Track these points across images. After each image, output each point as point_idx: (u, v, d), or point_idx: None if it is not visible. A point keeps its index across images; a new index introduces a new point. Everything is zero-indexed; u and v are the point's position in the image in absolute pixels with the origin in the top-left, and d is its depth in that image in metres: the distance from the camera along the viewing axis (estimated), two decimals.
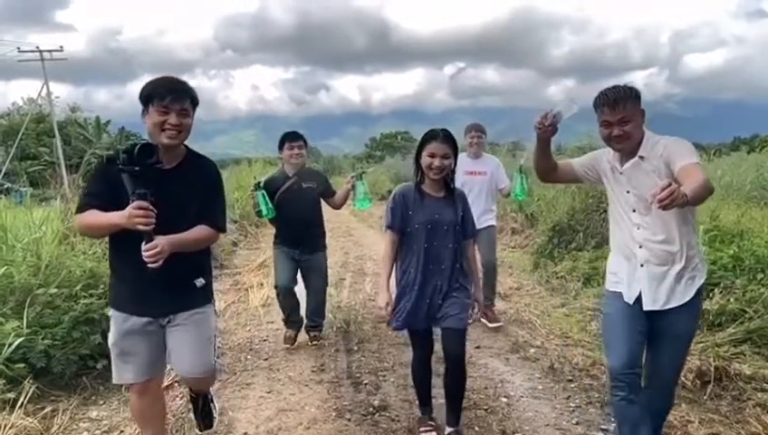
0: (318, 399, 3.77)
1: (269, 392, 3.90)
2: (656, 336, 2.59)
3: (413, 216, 3.02)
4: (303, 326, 4.82)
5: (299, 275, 4.73)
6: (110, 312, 2.63)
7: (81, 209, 2.47)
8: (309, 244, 4.66)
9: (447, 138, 2.98)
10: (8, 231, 4.60)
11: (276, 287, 4.71)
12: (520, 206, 9.83)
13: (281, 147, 4.66)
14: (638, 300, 2.55)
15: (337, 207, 4.84)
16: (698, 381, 3.64)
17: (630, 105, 2.45)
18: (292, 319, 4.75)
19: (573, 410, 3.52)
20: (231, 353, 4.69)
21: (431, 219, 3.00)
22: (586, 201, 7.63)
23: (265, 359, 4.54)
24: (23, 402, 3.37)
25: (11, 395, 3.37)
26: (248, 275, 7.70)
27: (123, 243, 2.40)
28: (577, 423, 3.37)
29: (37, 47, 33.77)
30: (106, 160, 2.46)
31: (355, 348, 4.73)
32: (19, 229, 4.90)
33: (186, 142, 2.55)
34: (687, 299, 2.53)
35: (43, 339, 3.70)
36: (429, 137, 2.99)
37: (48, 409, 3.50)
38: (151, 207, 2.21)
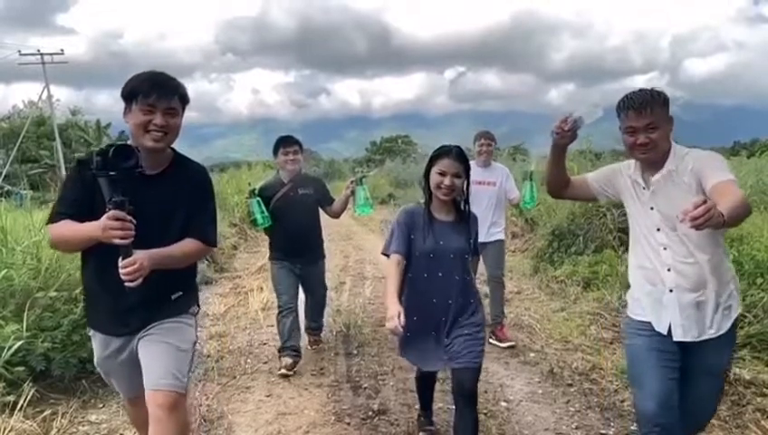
0: (317, 402, 3.77)
1: (268, 396, 3.90)
2: (688, 371, 2.33)
3: (415, 241, 2.71)
4: (304, 328, 4.68)
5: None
6: (90, 331, 2.44)
7: (53, 219, 2.16)
8: (307, 254, 4.44)
9: (460, 156, 2.69)
10: (8, 234, 4.60)
11: (279, 307, 4.40)
12: (520, 210, 9.84)
13: (275, 152, 4.43)
14: (668, 330, 2.29)
15: (335, 215, 4.53)
16: None
17: (658, 110, 2.22)
18: (289, 345, 4.30)
19: (573, 415, 3.52)
20: (231, 357, 4.69)
21: (434, 247, 2.69)
22: (586, 205, 7.63)
23: (265, 362, 4.54)
24: (22, 405, 3.36)
25: (10, 398, 3.37)
26: (248, 279, 7.70)
27: (97, 256, 2.15)
28: (577, 428, 3.36)
29: (38, 50, 33.88)
30: (79, 163, 2.20)
31: (355, 352, 4.72)
32: (19, 232, 4.90)
33: (175, 145, 2.30)
34: (724, 331, 2.27)
35: (42, 342, 3.70)
36: (441, 153, 2.70)
37: (47, 412, 3.50)
38: (130, 217, 1.93)
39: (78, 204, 2.13)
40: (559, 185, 2.55)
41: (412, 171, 22.39)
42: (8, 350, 3.52)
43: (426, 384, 3.17)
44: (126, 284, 1.98)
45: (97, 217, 1.97)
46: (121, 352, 2.33)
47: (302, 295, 4.68)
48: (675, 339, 2.27)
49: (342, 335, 5.11)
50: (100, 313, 2.32)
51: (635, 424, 2.67)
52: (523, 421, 3.45)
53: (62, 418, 3.48)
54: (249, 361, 4.61)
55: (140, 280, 2.00)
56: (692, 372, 2.33)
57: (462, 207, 2.78)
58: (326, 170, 33.46)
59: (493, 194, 4.84)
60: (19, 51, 33.85)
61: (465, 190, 2.74)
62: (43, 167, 31.56)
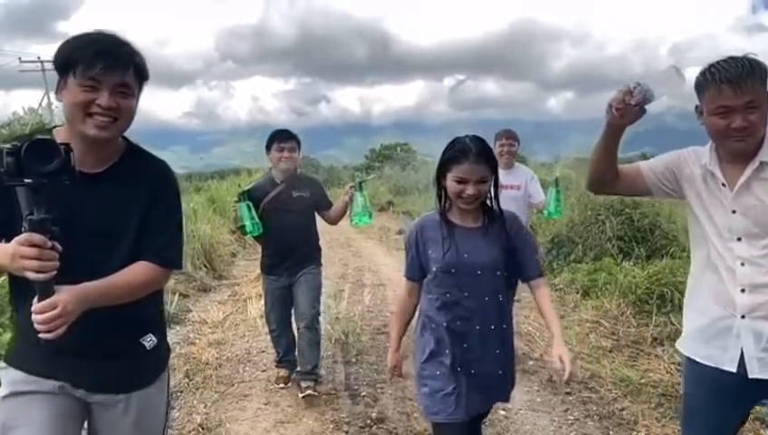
0: (316, 411, 3.75)
1: (267, 404, 3.88)
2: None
3: (432, 256, 2.15)
4: (293, 374, 4.10)
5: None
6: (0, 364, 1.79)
7: None
8: (300, 264, 3.91)
9: (482, 154, 2.07)
10: None
11: (272, 331, 4.15)
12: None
13: (268, 147, 3.87)
14: (741, 364, 1.82)
15: (333, 221, 4.02)
16: None
17: (759, 86, 1.71)
18: (286, 358, 4.15)
19: (572, 424, 3.51)
20: (229, 365, 4.67)
21: (455, 261, 2.10)
22: (584, 213, 7.64)
23: (263, 370, 4.52)
24: None
25: None
26: (247, 286, 7.68)
27: (24, 283, 1.44)
28: None
29: (38, 57, 33.96)
30: None
31: (353, 360, 4.71)
32: None
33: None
34: None
35: None
36: (457, 154, 2.07)
37: None
38: (51, 242, 1.35)
39: None
40: (605, 177, 1.98)
41: (411, 179, 22.42)
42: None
43: None
44: (41, 336, 1.39)
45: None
46: (46, 397, 1.63)
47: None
48: (750, 376, 1.80)
49: (341, 343, 5.10)
50: (29, 351, 1.61)
51: None
52: (522, 430, 3.44)
53: None
54: (247, 369, 4.59)
55: (62, 330, 1.40)
56: None
57: (492, 208, 2.20)
58: (325, 177, 33.54)
59: (517, 199, 4.25)
60: (19, 58, 33.93)
61: (494, 190, 2.16)
62: None
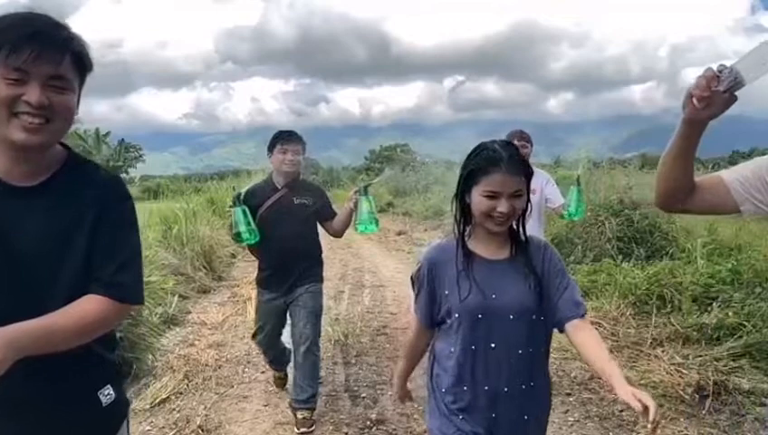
0: (315, 412, 3.74)
1: (266, 406, 3.88)
2: None
3: (450, 297, 1.73)
4: (289, 402, 3.67)
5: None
6: None
7: None
8: (300, 281, 3.55)
9: (516, 162, 1.66)
10: None
11: (263, 351, 3.91)
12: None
13: (271, 149, 3.54)
14: None
15: (337, 233, 3.66)
16: (697, 396, 3.64)
17: None
18: (280, 360, 3.98)
19: (572, 425, 3.51)
20: (228, 366, 4.67)
21: (482, 304, 1.69)
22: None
23: (263, 372, 4.52)
24: None
25: None
26: (246, 288, 7.68)
27: None
28: None
29: None
30: None
31: (353, 361, 4.71)
32: None
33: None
34: None
35: None
36: (486, 163, 1.66)
37: None
38: None
39: None
40: (680, 190, 1.52)
41: (411, 180, 22.44)
42: None
43: None
44: None
45: None
46: None
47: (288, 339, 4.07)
48: None
49: (340, 344, 5.09)
50: None
51: None
52: None
53: None
54: (247, 370, 4.59)
55: None
56: None
57: (519, 233, 1.77)
58: (325, 178, 33.54)
59: (534, 203, 4.16)
60: None
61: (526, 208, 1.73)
62: None
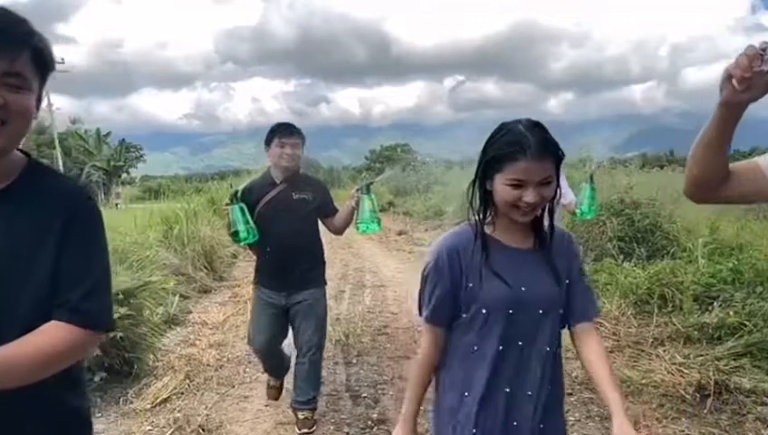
0: (316, 412, 3.74)
1: (267, 405, 3.88)
2: None
3: (474, 290, 1.53)
4: (290, 403, 3.56)
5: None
6: None
7: None
8: (302, 283, 3.39)
9: (545, 147, 1.46)
10: None
11: (256, 352, 3.70)
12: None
13: (268, 142, 3.33)
14: None
15: (338, 231, 3.51)
16: (698, 395, 3.64)
17: None
18: (279, 368, 3.78)
19: (573, 425, 3.50)
20: (229, 366, 4.68)
21: (514, 297, 1.52)
22: None
23: (263, 372, 4.51)
24: None
25: None
26: (247, 288, 7.67)
27: None
28: None
29: None
30: None
31: (354, 361, 4.71)
32: None
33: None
34: None
35: None
36: (511, 149, 1.45)
37: None
38: None
39: None
40: (714, 179, 1.39)
41: (411, 180, 22.44)
42: None
43: None
44: None
45: None
46: None
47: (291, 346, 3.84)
48: None
49: (341, 344, 5.10)
50: None
51: None
52: None
53: None
54: (248, 370, 4.59)
55: None
56: None
57: (543, 224, 1.59)
58: (325, 178, 33.59)
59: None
60: None
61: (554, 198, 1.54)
62: None
